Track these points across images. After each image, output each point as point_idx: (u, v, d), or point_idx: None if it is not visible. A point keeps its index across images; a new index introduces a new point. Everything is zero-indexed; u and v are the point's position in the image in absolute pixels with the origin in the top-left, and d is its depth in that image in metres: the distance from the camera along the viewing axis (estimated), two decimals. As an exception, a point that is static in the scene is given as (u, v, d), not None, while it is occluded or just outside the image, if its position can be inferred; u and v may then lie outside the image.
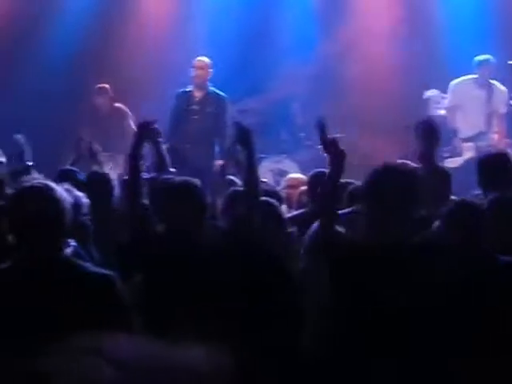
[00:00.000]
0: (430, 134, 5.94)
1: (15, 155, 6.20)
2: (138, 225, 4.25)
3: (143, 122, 4.67)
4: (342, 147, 4.10)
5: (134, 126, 9.79)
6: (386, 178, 3.73)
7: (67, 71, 10.90)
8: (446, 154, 9.54)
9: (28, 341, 3.16)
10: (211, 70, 9.56)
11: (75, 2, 11.31)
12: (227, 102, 9.59)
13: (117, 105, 10.28)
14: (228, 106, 9.60)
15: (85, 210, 4.61)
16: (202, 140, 9.25)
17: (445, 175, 5.92)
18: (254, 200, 4.25)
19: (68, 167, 6.41)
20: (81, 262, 3.41)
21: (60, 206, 3.30)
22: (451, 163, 9.18)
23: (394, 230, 3.62)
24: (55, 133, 10.54)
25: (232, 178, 7.08)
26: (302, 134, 11.20)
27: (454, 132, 9.87)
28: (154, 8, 11.55)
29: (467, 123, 9.86)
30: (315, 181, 5.97)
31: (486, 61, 9.80)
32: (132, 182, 4.36)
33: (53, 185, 3.36)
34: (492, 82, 9.91)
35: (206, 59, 9.63)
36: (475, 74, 9.91)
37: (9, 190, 4.63)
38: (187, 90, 9.57)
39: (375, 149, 10.32)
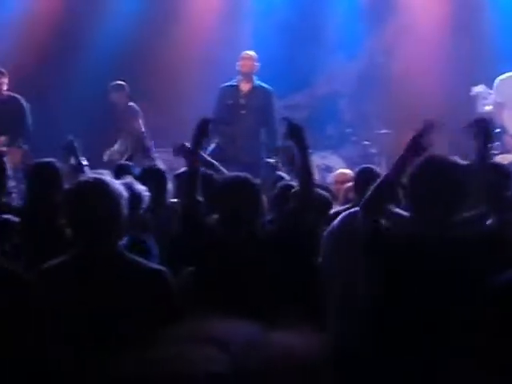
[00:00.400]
0: (486, 131, 5.91)
1: (69, 153, 6.30)
2: (193, 218, 4.28)
3: (203, 118, 4.68)
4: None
5: (143, 127, 9.98)
6: (431, 171, 3.65)
7: (115, 71, 11.01)
8: (496, 151, 9.47)
9: (83, 336, 3.24)
10: (257, 64, 9.52)
11: (122, 2, 11.43)
12: (274, 94, 9.53)
13: (130, 104, 10.33)
14: (275, 98, 9.56)
15: (145, 203, 4.68)
16: (249, 134, 9.19)
17: (505, 172, 5.88)
18: (308, 195, 4.24)
19: (124, 162, 6.51)
20: (135, 257, 3.41)
21: (116, 201, 3.30)
22: (501, 160, 9.11)
23: (438, 223, 3.57)
24: (104, 132, 10.70)
25: (281, 173, 7.14)
26: (349, 130, 11.20)
27: (503, 128, 9.79)
28: (201, 4, 11.63)
29: None
30: (362, 177, 5.97)
31: None
32: (190, 176, 4.37)
33: (109, 180, 3.37)
34: None
35: (252, 52, 9.62)
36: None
37: (65, 187, 4.68)
38: (233, 84, 9.50)
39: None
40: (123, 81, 10.41)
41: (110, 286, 3.29)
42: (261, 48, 10.07)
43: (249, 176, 4.39)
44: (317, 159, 10.51)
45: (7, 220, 4.67)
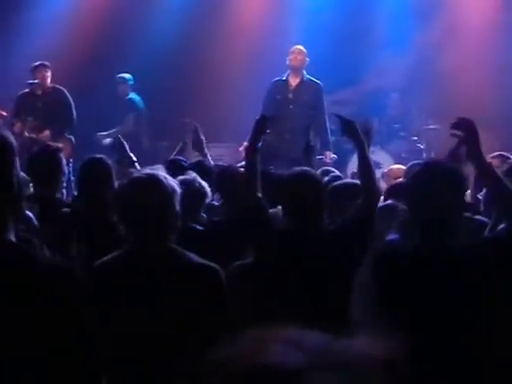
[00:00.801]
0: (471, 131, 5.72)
1: (118, 149, 6.37)
2: (257, 213, 4.28)
3: (263, 115, 4.70)
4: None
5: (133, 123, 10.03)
6: (431, 177, 3.40)
7: (169, 66, 11.09)
8: None
9: (138, 334, 3.26)
10: (307, 59, 9.52)
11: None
12: (323, 89, 9.51)
13: (130, 97, 10.52)
14: (323, 93, 9.54)
15: (209, 198, 4.71)
16: (297, 130, 9.19)
17: None
18: (372, 191, 4.21)
19: (175, 157, 6.56)
20: (188, 253, 3.40)
21: (169, 198, 3.29)
22: None
23: (438, 231, 3.34)
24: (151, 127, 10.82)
25: (329, 168, 7.15)
26: (397, 125, 11.14)
27: None
28: (250, 0, 11.66)
29: None
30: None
31: None
32: (250, 172, 4.38)
33: (162, 176, 3.35)
34: None
35: (301, 47, 9.60)
36: None
37: (116, 183, 4.71)
38: (282, 78, 9.50)
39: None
40: (176, 77, 10.51)
41: (161, 280, 3.28)
42: (309, 44, 10.06)
43: (313, 171, 4.43)
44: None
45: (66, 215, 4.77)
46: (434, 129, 10.87)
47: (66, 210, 5.02)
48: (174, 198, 3.31)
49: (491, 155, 7.57)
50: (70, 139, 9.44)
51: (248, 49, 11.22)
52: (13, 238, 2.20)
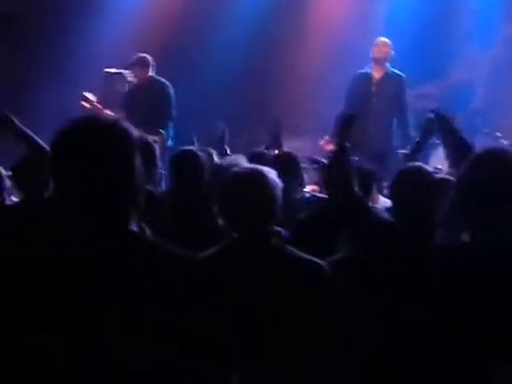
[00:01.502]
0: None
1: (216, 140, 6.35)
2: (359, 210, 4.18)
3: (348, 114, 4.66)
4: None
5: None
6: (493, 166, 2.85)
7: (242, 64, 11.04)
8: None
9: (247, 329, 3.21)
10: (391, 51, 9.35)
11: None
12: (406, 82, 9.34)
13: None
14: (407, 86, 9.35)
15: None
16: (381, 123, 9.02)
17: None
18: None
19: (259, 150, 6.51)
20: (290, 248, 3.41)
21: (271, 193, 3.33)
22: None
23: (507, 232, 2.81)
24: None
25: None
26: (480, 121, 10.90)
27: None
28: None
29: None
30: None
31: None
32: (344, 175, 4.31)
33: (266, 171, 3.38)
34: None
35: (386, 39, 9.42)
36: None
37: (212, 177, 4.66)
38: (366, 71, 9.37)
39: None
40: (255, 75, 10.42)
41: (266, 275, 3.28)
42: (393, 35, 9.89)
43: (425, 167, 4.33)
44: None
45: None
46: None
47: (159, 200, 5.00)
48: (278, 193, 3.36)
49: None
50: (161, 134, 9.37)
51: (329, 40, 11.13)
52: (136, 230, 2.25)
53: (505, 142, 10.62)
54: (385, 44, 9.34)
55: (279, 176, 4.18)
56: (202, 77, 10.89)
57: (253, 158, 5.72)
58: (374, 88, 9.26)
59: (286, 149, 7.48)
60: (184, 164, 5.26)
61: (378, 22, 11.05)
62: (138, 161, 2.26)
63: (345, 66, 10.02)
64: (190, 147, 5.52)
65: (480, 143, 10.59)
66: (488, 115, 10.99)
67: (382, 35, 9.69)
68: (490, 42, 11.07)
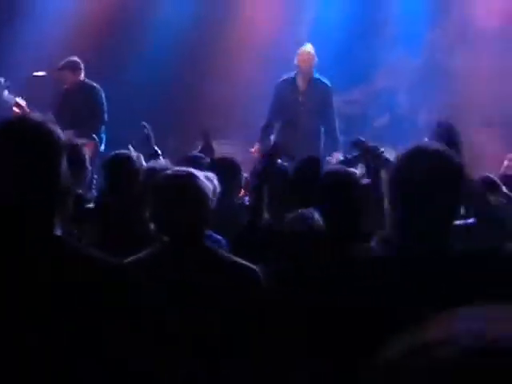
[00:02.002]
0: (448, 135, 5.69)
1: (142, 141, 6.33)
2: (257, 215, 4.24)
3: (275, 145, 4.71)
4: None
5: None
6: (417, 165, 2.64)
7: (170, 71, 11.01)
8: None
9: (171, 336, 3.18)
10: (315, 59, 9.42)
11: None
12: (332, 89, 9.40)
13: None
14: (332, 93, 9.42)
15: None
16: (308, 131, 9.09)
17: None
18: None
19: (194, 153, 6.53)
20: (222, 252, 3.41)
21: (203, 196, 3.30)
22: None
23: (426, 235, 2.64)
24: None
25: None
26: (406, 125, 11.10)
27: None
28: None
29: None
30: None
31: None
32: (259, 197, 4.35)
33: (197, 174, 3.37)
34: None
35: (310, 46, 9.45)
36: None
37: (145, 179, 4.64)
38: (291, 76, 9.38)
39: (484, 143, 10.14)
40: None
41: (198, 280, 3.25)
42: (319, 42, 9.98)
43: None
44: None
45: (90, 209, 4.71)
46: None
47: (90, 205, 4.94)
48: (209, 197, 3.34)
49: (509, 156, 7.50)
50: (94, 139, 9.27)
51: (258, 44, 11.15)
52: (60, 234, 2.19)
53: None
54: (308, 53, 9.39)
55: (219, 181, 4.23)
56: (131, 82, 10.82)
57: (187, 162, 5.72)
58: (300, 97, 9.30)
59: (217, 156, 7.50)
60: (116, 167, 5.21)
61: (304, 30, 11.15)
62: (63, 163, 2.22)
63: (273, 74, 10.08)
64: (123, 151, 5.47)
65: (408, 147, 10.84)
66: (414, 120, 11.18)
67: (309, 42, 9.77)
68: (415, 49, 11.25)
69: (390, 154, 10.26)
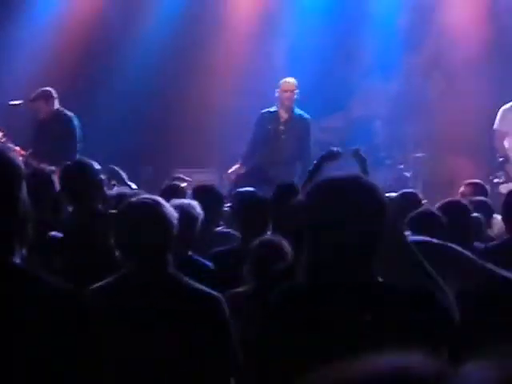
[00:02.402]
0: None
1: (118, 182, 6.32)
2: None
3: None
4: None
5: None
6: (328, 198, 2.44)
7: (154, 90, 11.04)
8: (500, 180, 9.40)
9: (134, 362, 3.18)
10: (297, 91, 9.49)
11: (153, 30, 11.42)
12: (311, 124, 9.57)
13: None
14: (311, 128, 9.57)
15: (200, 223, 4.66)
16: (287, 160, 9.25)
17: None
18: None
19: (175, 183, 6.60)
20: (187, 279, 3.38)
21: (169, 225, 3.30)
22: (504, 189, 8.91)
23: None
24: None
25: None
26: (383, 153, 11.12)
27: (506, 157, 9.65)
28: (236, 23, 11.62)
29: None
30: (404, 202, 5.91)
31: None
32: None
33: (161, 202, 3.37)
34: None
35: (292, 81, 9.51)
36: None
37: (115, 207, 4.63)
38: (272, 110, 9.54)
39: (460, 167, 10.20)
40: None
41: (161, 308, 3.24)
42: (295, 69, 10.03)
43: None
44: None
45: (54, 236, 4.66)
46: (420, 157, 10.88)
47: (54, 233, 4.91)
48: (173, 225, 3.33)
49: (464, 182, 7.58)
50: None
51: (233, 73, 11.18)
52: (19, 262, 2.17)
53: (407, 174, 10.88)
54: (292, 86, 9.47)
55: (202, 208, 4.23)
56: (106, 107, 10.83)
57: (170, 191, 5.75)
58: (281, 127, 9.46)
59: (195, 182, 7.53)
60: (76, 175, 5.03)
61: (280, 58, 11.22)
62: (23, 190, 2.21)
63: (250, 101, 10.13)
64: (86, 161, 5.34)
65: (384, 175, 10.91)
66: (391, 148, 11.22)
67: (285, 70, 9.82)
68: (390, 76, 11.32)
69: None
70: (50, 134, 9.08)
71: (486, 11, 11.19)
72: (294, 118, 9.49)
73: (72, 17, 11.17)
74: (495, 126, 9.74)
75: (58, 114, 9.30)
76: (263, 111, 9.60)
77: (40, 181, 5.28)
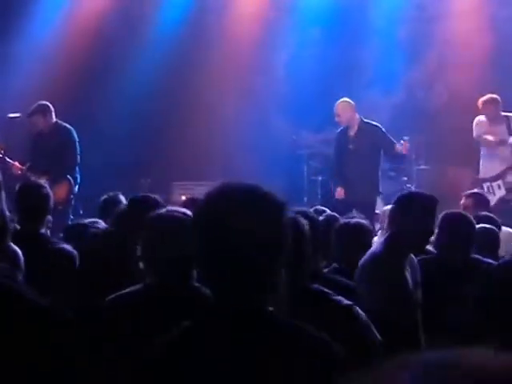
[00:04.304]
0: None
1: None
2: None
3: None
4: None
5: None
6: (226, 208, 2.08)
7: (156, 102, 11.07)
8: None
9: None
10: (353, 109, 9.57)
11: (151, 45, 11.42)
12: (381, 128, 9.66)
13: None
14: (382, 131, 9.65)
15: None
16: (362, 177, 9.37)
17: None
18: None
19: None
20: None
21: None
22: None
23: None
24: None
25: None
26: (386, 166, 11.08)
27: None
28: (238, 33, 11.65)
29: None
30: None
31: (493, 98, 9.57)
32: None
33: (188, 214, 3.35)
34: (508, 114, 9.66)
35: (345, 103, 9.62)
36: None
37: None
38: (343, 128, 9.69)
39: (462, 177, 10.16)
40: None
41: (182, 316, 3.18)
42: (298, 80, 10.00)
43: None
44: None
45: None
46: (424, 169, 10.86)
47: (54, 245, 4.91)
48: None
49: (464, 194, 7.55)
50: (69, 179, 9.21)
51: (235, 84, 11.21)
52: None
53: (411, 187, 10.85)
54: (343, 110, 9.56)
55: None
56: (105, 120, 10.87)
57: (187, 204, 5.69)
58: (350, 146, 9.56)
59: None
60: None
61: (279, 69, 11.25)
62: (1, 202, 2.21)
63: (250, 113, 10.14)
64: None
65: (387, 188, 10.84)
66: (393, 161, 11.18)
67: (285, 81, 9.79)
68: (392, 87, 11.31)
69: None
70: (48, 148, 9.08)
71: (487, 22, 11.20)
72: (361, 131, 9.64)
73: (71, 31, 11.21)
74: (474, 135, 9.77)
75: (56, 127, 9.30)
76: (338, 130, 9.80)
77: (36, 195, 5.27)
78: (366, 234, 4.89)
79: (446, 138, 10.74)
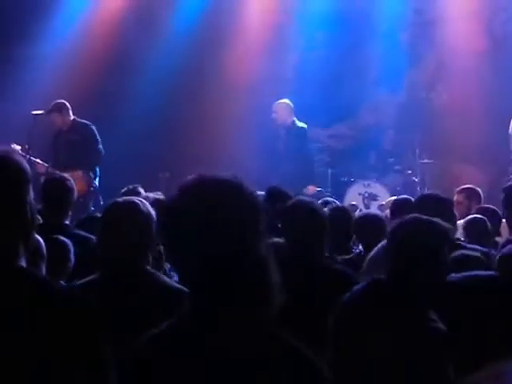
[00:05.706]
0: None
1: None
2: None
3: None
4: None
5: None
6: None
7: (170, 104, 11.33)
8: None
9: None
10: (289, 109, 9.75)
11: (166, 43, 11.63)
12: (306, 130, 9.80)
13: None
14: (306, 133, 9.80)
15: None
16: (288, 174, 9.44)
17: None
18: None
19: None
20: (164, 277, 3.50)
21: (148, 223, 3.38)
22: None
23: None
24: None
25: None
26: (391, 159, 11.38)
27: None
28: (247, 36, 11.80)
29: None
30: (396, 207, 6.11)
31: None
32: None
33: (140, 202, 3.48)
34: None
35: (283, 103, 9.85)
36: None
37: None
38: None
39: (466, 174, 10.38)
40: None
41: (137, 305, 3.28)
42: (307, 78, 10.15)
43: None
44: (360, 187, 10.76)
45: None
46: (428, 163, 11.10)
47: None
48: (152, 223, 3.38)
49: (457, 190, 7.66)
50: (89, 174, 9.30)
51: (243, 87, 11.41)
52: (24, 265, 2.12)
53: (415, 179, 11.13)
54: (281, 109, 9.83)
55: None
56: (126, 116, 11.06)
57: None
58: (280, 145, 9.84)
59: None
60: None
61: (288, 70, 11.54)
62: (29, 194, 2.14)
63: (259, 114, 10.37)
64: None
65: (393, 181, 11.14)
66: (399, 155, 11.47)
67: (293, 82, 9.92)
68: (396, 86, 11.58)
69: (376, 188, 10.65)
70: (68, 144, 9.24)
71: (484, 25, 11.38)
72: (290, 131, 9.80)
73: (91, 31, 11.44)
74: (510, 131, 9.93)
75: (74, 124, 9.45)
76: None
77: (61, 188, 5.51)
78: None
79: (448, 133, 10.98)
